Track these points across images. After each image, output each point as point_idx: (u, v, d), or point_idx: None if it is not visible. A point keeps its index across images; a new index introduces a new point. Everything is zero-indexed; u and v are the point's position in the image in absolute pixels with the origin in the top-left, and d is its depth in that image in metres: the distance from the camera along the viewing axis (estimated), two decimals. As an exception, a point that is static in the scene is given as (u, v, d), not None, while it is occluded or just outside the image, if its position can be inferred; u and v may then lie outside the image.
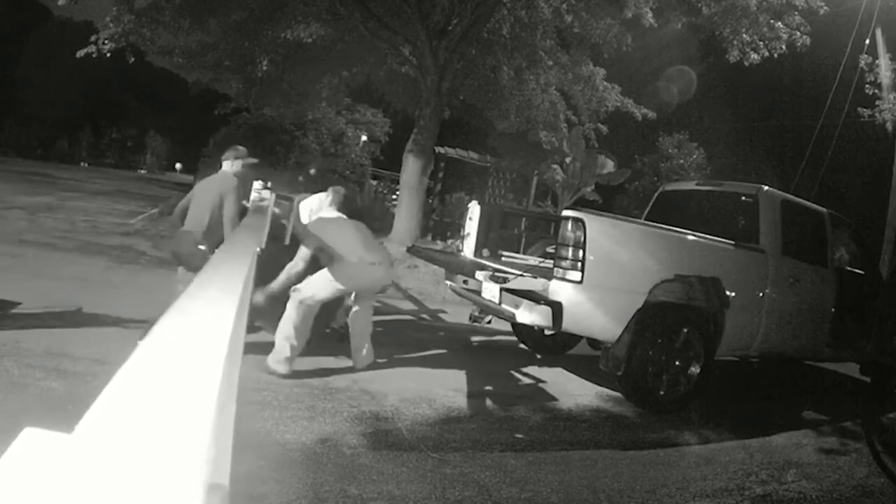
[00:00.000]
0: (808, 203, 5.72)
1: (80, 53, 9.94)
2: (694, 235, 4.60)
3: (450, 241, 11.13)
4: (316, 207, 4.40)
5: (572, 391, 4.69)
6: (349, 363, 4.20)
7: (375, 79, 14.45)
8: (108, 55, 10.10)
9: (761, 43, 10.05)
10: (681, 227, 4.66)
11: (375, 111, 24.60)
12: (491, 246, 5.56)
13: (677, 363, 4.45)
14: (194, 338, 0.56)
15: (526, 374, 4.97)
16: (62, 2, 9.40)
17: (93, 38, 9.89)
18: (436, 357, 4.98)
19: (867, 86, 12.71)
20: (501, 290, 4.34)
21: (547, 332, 5.33)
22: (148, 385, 0.45)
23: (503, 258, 5.51)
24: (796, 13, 9.87)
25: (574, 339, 5.53)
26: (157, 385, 0.46)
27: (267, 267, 3.62)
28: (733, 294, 4.61)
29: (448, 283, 5.45)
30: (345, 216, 4.33)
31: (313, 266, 4.04)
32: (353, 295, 4.25)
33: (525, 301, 4.12)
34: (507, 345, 5.88)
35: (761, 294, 4.86)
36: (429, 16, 10.52)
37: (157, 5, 10.16)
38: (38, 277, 5.60)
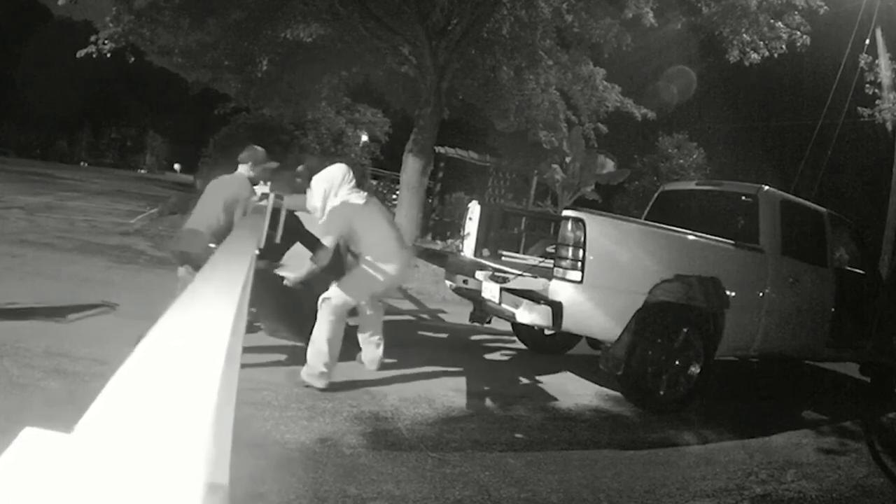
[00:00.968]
0: (808, 203, 5.72)
1: (80, 53, 9.93)
2: (694, 235, 4.61)
3: (450, 241, 11.13)
4: (334, 187, 3.79)
5: (572, 391, 4.69)
6: (349, 363, 4.20)
7: (375, 79, 14.43)
8: (108, 55, 10.08)
9: (761, 43, 10.05)
10: (681, 227, 4.66)
11: (375, 111, 24.60)
12: (491, 246, 5.56)
13: (677, 363, 4.46)
14: (193, 338, 0.56)
15: (526, 374, 4.97)
16: (62, 2, 9.38)
17: (93, 38, 9.89)
18: (436, 357, 4.98)
19: (867, 86, 12.71)
20: (501, 289, 4.35)
21: (547, 332, 5.33)
22: (147, 385, 0.45)
23: (503, 258, 5.52)
24: (796, 13, 9.86)
25: (574, 339, 5.54)
26: (156, 385, 0.46)
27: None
28: (733, 294, 4.62)
29: (448, 282, 5.45)
30: (371, 198, 3.94)
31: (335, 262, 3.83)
32: (362, 327, 4.16)
33: (525, 301, 4.12)
34: (507, 345, 5.88)
35: (761, 294, 4.87)
36: (428, 16, 10.51)
37: (156, 5, 10.15)
38: (37, 277, 5.61)
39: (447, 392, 4.09)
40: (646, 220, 5.74)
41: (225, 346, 0.55)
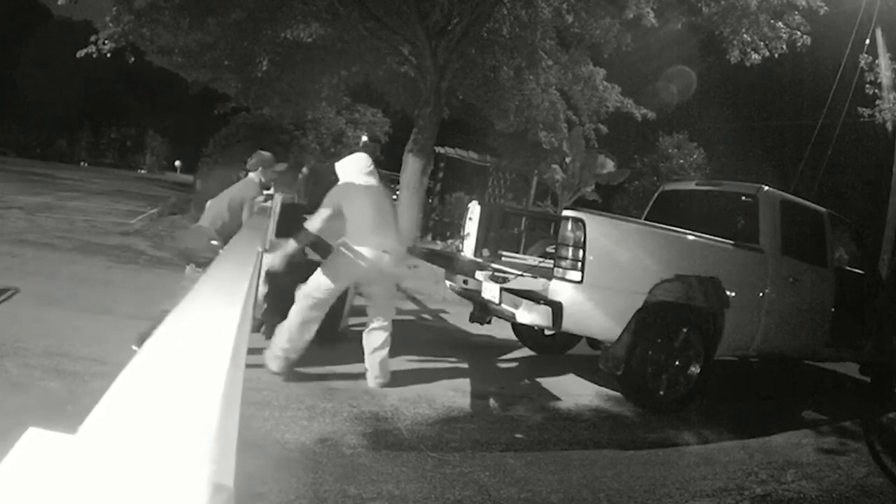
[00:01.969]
0: (808, 203, 5.72)
1: (81, 53, 9.93)
2: (694, 235, 4.61)
3: (450, 241, 11.13)
4: (348, 171, 3.97)
5: (572, 391, 4.69)
6: (349, 363, 4.19)
7: (375, 78, 14.43)
8: (108, 55, 10.08)
9: (762, 43, 10.05)
10: (681, 227, 4.66)
11: (375, 111, 24.60)
12: (491, 246, 5.56)
13: (677, 363, 4.46)
14: (199, 338, 0.56)
15: (526, 374, 4.97)
16: (62, 1, 9.38)
17: (93, 38, 9.88)
18: (436, 357, 4.98)
19: (867, 86, 12.71)
20: (501, 290, 4.34)
21: (547, 332, 5.33)
22: (152, 385, 0.46)
23: (503, 258, 5.52)
24: (796, 13, 9.86)
25: (574, 339, 5.54)
26: (161, 385, 0.46)
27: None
28: (733, 294, 4.62)
29: (448, 282, 5.45)
30: (377, 185, 3.96)
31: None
32: (370, 310, 4.01)
33: (525, 301, 4.12)
34: (507, 345, 5.88)
35: (761, 294, 4.87)
36: (428, 15, 10.51)
37: (156, 5, 10.15)
38: (37, 277, 5.60)
39: (447, 392, 4.09)
40: (646, 220, 5.74)
41: (230, 345, 0.55)
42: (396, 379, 4.18)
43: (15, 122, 50.27)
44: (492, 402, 4.15)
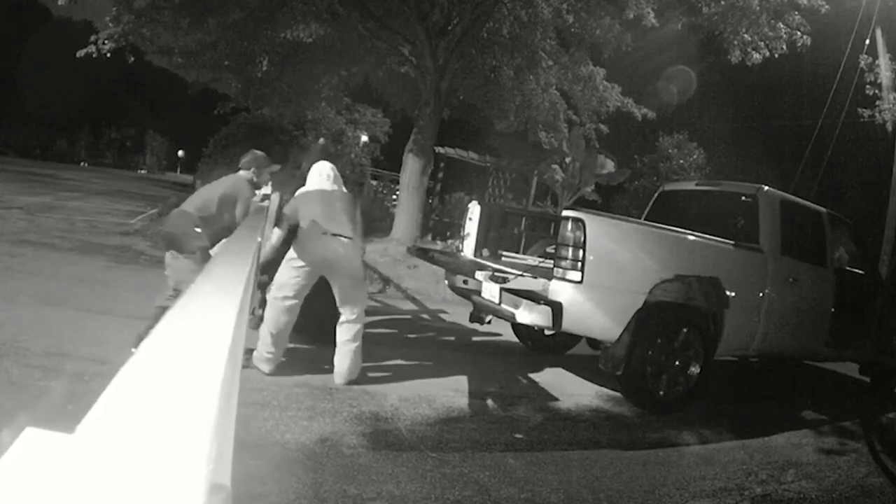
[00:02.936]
0: (808, 203, 5.73)
1: (80, 53, 9.94)
2: (693, 235, 4.61)
3: (450, 241, 11.13)
4: (313, 177, 4.13)
5: (572, 391, 4.69)
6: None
7: (375, 79, 14.44)
8: (108, 55, 10.09)
9: (762, 43, 10.05)
10: (680, 227, 4.67)
11: (375, 111, 24.60)
12: (491, 246, 5.56)
13: (677, 363, 4.46)
14: (196, 338, 0.56)
15: (526, 374, 4.97)
16: (62, 1, 9.38)
17: (92, 38, 9.89)
18: (436, 357, 4.98)
19: (867, 86, 12.71)
20: (501, 290, 4.34)
21: (547, 332, 5.33)
22: (150, 385, 0.45)
23: (503, 258, 5.52)
24: (796, 13, 9.86)
25: (574, 339, 5.54)
26: (159, 385, 0.46)
27: None
28: (733, 294, 4.62)
29: (448, 283, 5.45)
30: (329, 188, 4.06)
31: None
32: (339, 302, 3.95)
33: (525, 301, 4.12)
34: (507, 345, 5.88)
35: (760, 294, 4.87)
36: (428, 16, 10.51)
37: (156, 5, 10.16)
38: (37, 277, 5.60)
39: (447, 392, 4.09)
40: (646, 220, 5.74)
41: (228, 345, 0.55)
42: (396, 379, 4.18)
43: (15, 122, 50.25)
44: (492, 402, 4.15)
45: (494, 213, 5.88)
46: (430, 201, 16.99)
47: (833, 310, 5.48)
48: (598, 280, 4.04)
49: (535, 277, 4.16)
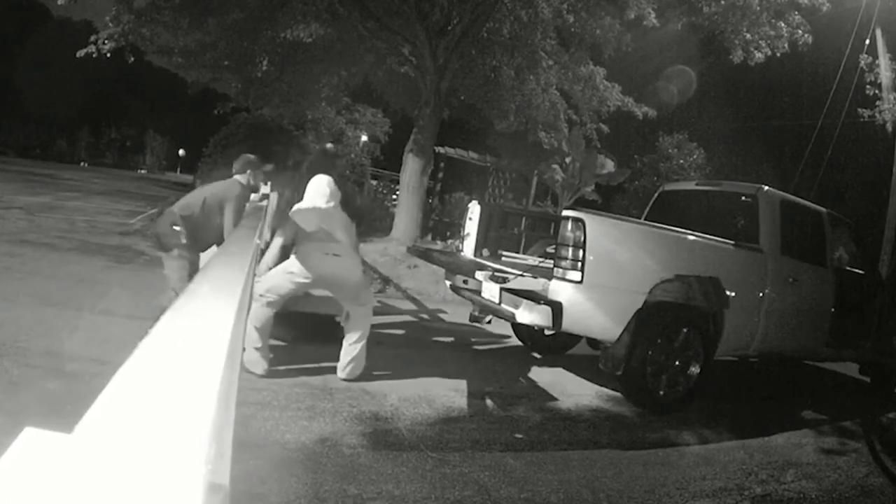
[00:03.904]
0: (808, 203, 5.72)
1: (80, 53, 9.94)
2: (693, 235, 4.61)
3: (450, 241, 11.12)
4: (311, 193, 4.00)
5: (572, 391, 4.69)
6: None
7: (375, 79, 14.45)
8: (108, 55, 10.09)
9: (762, 42, 10.05)
10: (680, 227, 4.66)
11: (375, 111, 24.61)
12: (491, 246, 5.56)
13: (677, 363, 4.46)
14: (194, 338, 0.56)
15: (526, 374, 4.97)
16: (62, 1, 9.39)
17: (92, 38, 9.90)
18: (436, 357, 4.98)
19: (867, 86, 12.71)
20: (501, 290, 4.34)
21: (547, 332, 5.33)
22: (148, 385, 0.45)
23: (503, 258, 5.52)
24: (797, 13, 9.86)
25: (574, 339, 5.53)
26: (157, 385, 0.46)
27: None
28: (732, 294, 4.62)
29: (448, 282, 5.45)
30: (324, 206, 3.97)
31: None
32: (343, 306, 4.07)
33: (525, 301, 4.12)
34: (507, 345, 5.88)
35: (760, 294, 4.87)
36: (428, 16, 10.51)
37: (155, 5, 10.16)
38: (37, 277, 5.61)
39: (447, 392, 4.09)
40: (646, 220, 5.74)
41: (226, 346, 0.55)
42: (396, 379, 4.18)
43: (15, 122, 50.26)
44: (492, 402, 4.15)
45: (494, 212, 5.88)
46: (430, 201, 17.00)
47: (833, 310, 5.47)
48: (598, 280, 4.04)
49: (535, 277, 4.16)
